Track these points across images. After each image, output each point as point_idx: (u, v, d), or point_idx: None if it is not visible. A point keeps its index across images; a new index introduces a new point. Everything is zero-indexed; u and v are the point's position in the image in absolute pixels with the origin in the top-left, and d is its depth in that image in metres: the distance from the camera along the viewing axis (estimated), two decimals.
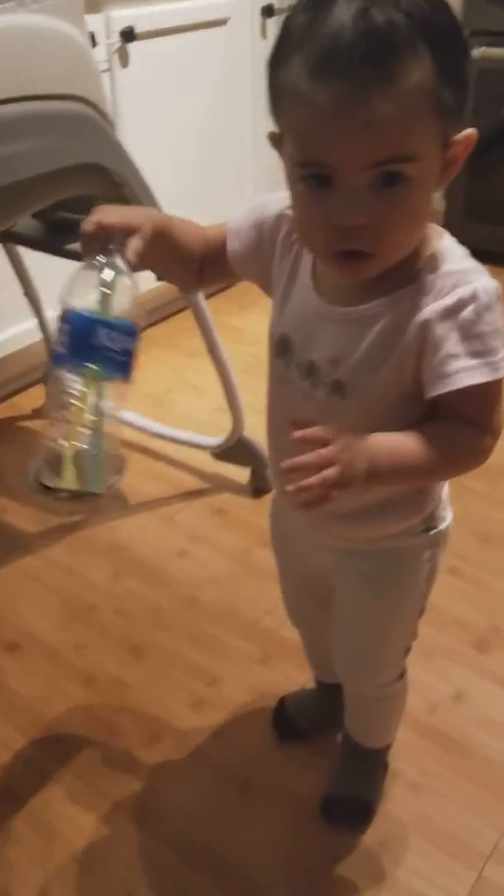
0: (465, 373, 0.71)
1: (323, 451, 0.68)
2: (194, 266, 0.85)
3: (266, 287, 0.85)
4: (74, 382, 0.69)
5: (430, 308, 0.72)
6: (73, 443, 0.70)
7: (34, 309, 1.89)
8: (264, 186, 2.53)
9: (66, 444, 0.70)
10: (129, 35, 1.84)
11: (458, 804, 1.14)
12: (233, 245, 0.83)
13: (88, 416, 0.70)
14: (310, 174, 0.67)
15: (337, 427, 0.71)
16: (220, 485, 1.77)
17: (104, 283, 0.69)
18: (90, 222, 0.72)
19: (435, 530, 0.91)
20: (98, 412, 0.70)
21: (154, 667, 1.38)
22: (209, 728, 1.27)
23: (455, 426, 0.75)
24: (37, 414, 2.07)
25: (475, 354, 0.71)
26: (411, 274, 0.74)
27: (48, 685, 1.36)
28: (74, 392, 0.69)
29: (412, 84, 0.62)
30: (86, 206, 1.41)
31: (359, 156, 0.64)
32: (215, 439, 1.75)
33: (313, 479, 0.67)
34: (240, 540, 1.63)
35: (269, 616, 1.42)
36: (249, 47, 2.25)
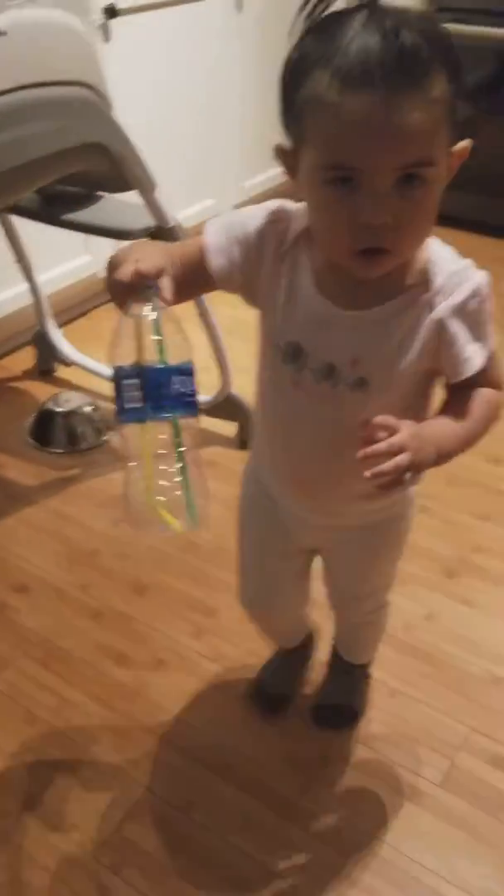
0: (475, 357, 0.82)
1: (394, 440, 0.73)
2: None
3: (251, 298, 0.87)
4: (152, 431, 0.71)
5: (444, 306, 0.80)
6: (168, 486, 0.72)
7: (25, 274, 1.99)
8: (253, 152, 2.65)
9: (163, 496, 0.72)
10: (111, 11, 1.92)
11: (432, 706, 1.31)
12: (217, 261, 0.83)
13: (176, 461, 0.72)
14: (336, 177, 0.71)
15: (356, 417, 0.78)
16: (209, 439, 1.90)
17: (157, 331, 0.71)
18: (127, 273, 0.72)
19: (412, 491, 1.03)
20: (182, 454, 0.72)
21: (156, 602, 1.53)
22: (210, 652, 1.42)
23: (478, 394, 0.84)
24: (27, 375, 2.18)
25: (478, 339, 0.82)
26: (415, 276, 0.81)
27: (59, 621, 1.49)
28: (158, 442, 0.72)
29: (436, 95, 0.69)
30: (80, 179, 1.52)
31: (389, 159, 0.69)
32: (204, 397, 1.88)
33: (388, 465, 0.72)
34: (230, 488, 1.74)
35: None
36: (225, 20, 2.34)
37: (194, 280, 0.83)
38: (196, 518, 0.74)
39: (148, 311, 0.71)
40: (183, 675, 1.38)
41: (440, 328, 0.80)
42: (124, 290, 0.72)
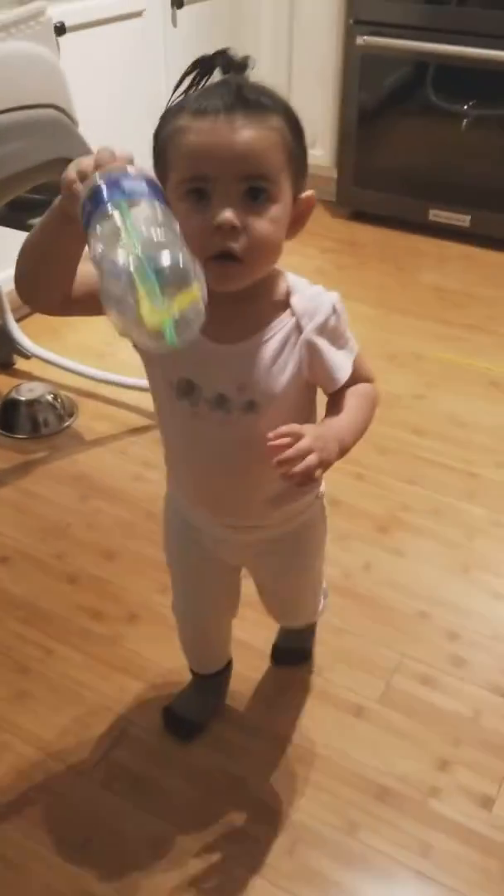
0: (344, 364, 0.94)
1: (300, 444, 0.83)
2: (70, 280, 0.88)
3: None
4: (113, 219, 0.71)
5: (310, 328, 0.91)
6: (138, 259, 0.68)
7: None
8: None
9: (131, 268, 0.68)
10: (60, 29, 2.08)
11: (370, 639, 1.54)
12: None
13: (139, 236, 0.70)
14: (191, 189, 0.82)
15: (254, 434, 0.89)
16: None
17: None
18: (88, 166, 0.76)
19: (322, 492, 1.14)
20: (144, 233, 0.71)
21: (126, 565, 1.71)
22: None
23: (356, 391, 0.96)
24: None
25: (342, 348, 0.94)
26: (280, 305, 0.92)
27: (39, 586, 1.67)
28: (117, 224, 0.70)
29: (271, 125, 0.83)
30: (44, 187, 1.68)
31: (233, 168, 0.81)
32: None
33: (300, 467, 0.82)
34: None
35: None
36: (162, 34, 2.52)
37: (90, 299, 0.83)
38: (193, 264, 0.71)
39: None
40: (154, 626, 1.57)
41: (310, 347, 0.92)
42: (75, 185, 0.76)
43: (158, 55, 2.56)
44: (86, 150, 1.54)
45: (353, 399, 0.96)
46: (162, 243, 0.69)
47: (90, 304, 0.82)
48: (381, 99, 3.01)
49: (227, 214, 0.80)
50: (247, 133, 0.81)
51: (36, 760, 1.34)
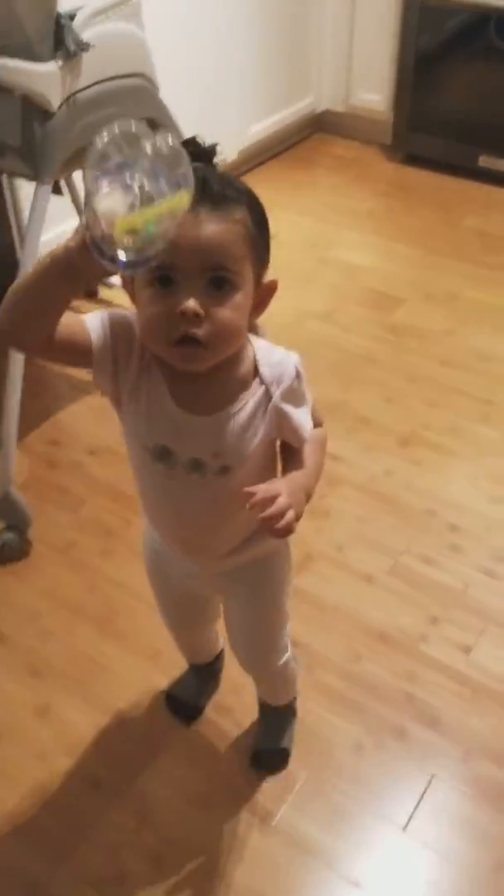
0: (306, 422, 1.01)
1: (280, 502, 0.89)
2: (55, 324, 0.87)
3: (112, 389, 0.95)
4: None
5: (277, 395, 0.97)
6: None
7: (78, 212, 2.47)
8: (256, 99, 3.08)
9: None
10: None
11: (384, 527, 1.88)
12: (97, 334, 0.91)
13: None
14: (157, 276, 0.85)
15: (226, 492, 0.97)
16: None
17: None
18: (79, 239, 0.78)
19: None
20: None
21: None
22: None
23: (313, 435, 1.02)
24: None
25: (302, 404, 1.00)
26: (248, 376, 0.97)
27: (120, 473, 2.03)
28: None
29: (235, 218, 0.87)
30: None
31: (197, 260, 0.85)
32: None
33: (282, 524, 0.89)
34: None
35: None
36: None
37: (70, 347, 0.89)
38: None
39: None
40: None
41: (279, 412, 0.98)
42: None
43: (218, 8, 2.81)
44: (166, 113, 1.85)
45: (310, 446, 1.02)
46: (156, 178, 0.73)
47: (69, 352, 0.90)
48: (439, 45, 3.16)
49: (191, 304, 0.85)
50: (211, 227, 0.85)
51: (116, 596, 1.73)
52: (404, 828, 1.35)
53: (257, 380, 0.97)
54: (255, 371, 0.97)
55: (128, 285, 0.92)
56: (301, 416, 1.00)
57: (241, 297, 0.89)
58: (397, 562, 1.80)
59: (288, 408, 0.98)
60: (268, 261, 0.95)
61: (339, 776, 1.42)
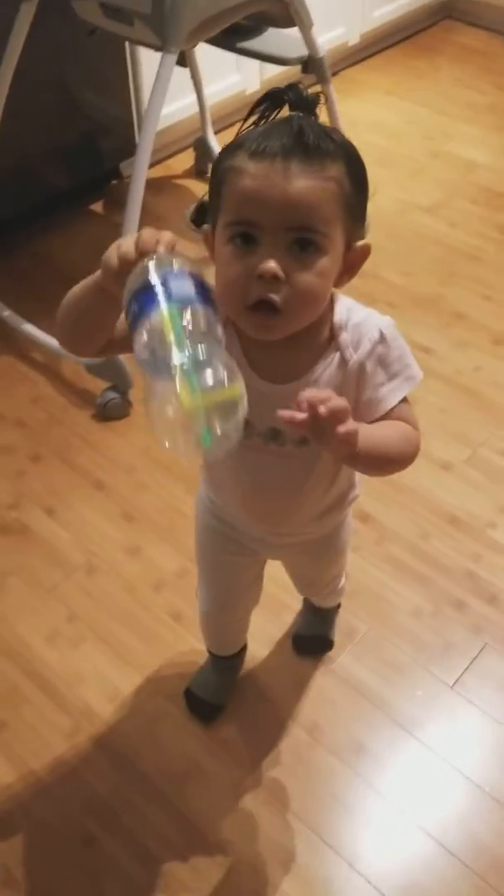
0: (388, 397, 0.88)
1: (335, 402, 0.74)
2: (107, 334, 0.88)
3: None
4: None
5: (355, 358, 0.88)
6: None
7: (197, 89, 2.50)
8: None
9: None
10: None
11: (466, 419, 1.93)
12: None
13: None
14: (238, 233, 0.79)
15: (307, 464, 0.91)
16: None
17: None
18: (131, 249, 0.77)
19: (355, 495, 1.11)
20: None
21: None
22: None
23: (400, 424, 0.89)
24: (186, 174, 2.73)
25: (393, 376, 0.89)
26: (329, 341, 0.89)
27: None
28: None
29: (328, 174, 0.79)
30: (253, 15, 2.00)
31: (282, 218, 0.78)
32: None
33: (342, 430, 0.75)
34: None
35: None
36: None
37: (128, 342, 0.78)
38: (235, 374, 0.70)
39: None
40: None
41: (357, 377, 0.89)
42: (128, 262, 0.76)
43: None
44: None
45: (392, 424, 0.89)
46: (207, 361, 0.68)
47: (128, 345, 0.80)
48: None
49: (271, 264, 0.78)
50: (301, 183, 0.78)
51: None
52: (452, 685, 1.47)
53: (335, 344, 0.89)
54: (334, 335, 0.89)
55: (209, 240, 0.87)
56: (382, 389, 0.89)
57: (328, 262, 0.81)
58: (475, 453, 1.86)
59: (366, 373, 0.89)
60: (363, 223, 0.86)
61: (397, 634, 1.54)
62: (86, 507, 1.76)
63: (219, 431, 0.68)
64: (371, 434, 0.83)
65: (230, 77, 2.71)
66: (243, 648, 1.44)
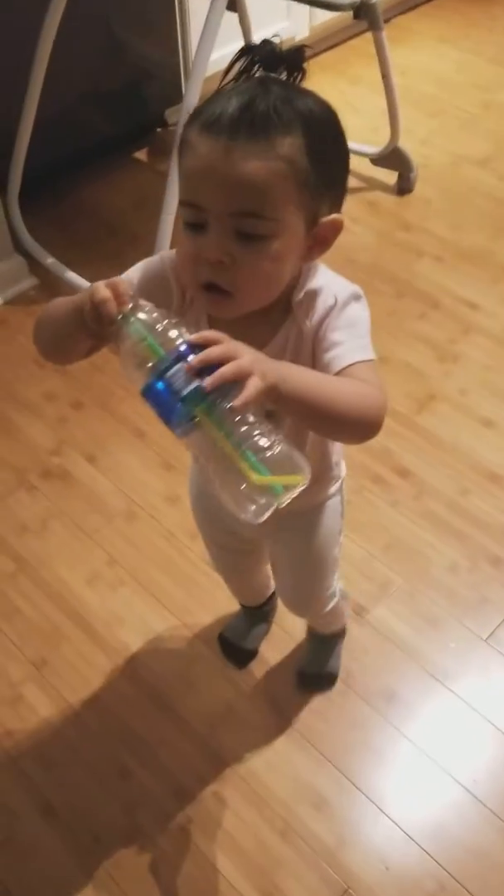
0: (347, 353, 0.81)
1: (240, 362, 0.68)
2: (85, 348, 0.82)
3: None
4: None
5: (309, 325, 0.83)
6: (266, 445, 0.68)
7: (245, 36, 2.45)
8: None
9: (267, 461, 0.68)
10: None
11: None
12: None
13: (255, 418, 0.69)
14: (189, 220, 0.76)
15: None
16: (372, 184, 2.41)
17: (171, 326, 0.70)
18: (107, 298, 0.71)
19: (341, 480, 1.09)
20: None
21: None
22: None
23: (356, 379, 0.81)
24: None
25: (347, 340, 0.82)
26: (285, 311, 0.84)
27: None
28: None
29: (276, 153, 0.72)
30: None
31: (223, 203, 0.73)
32: (372, 148, 2.37)
33: (249, 391, 0.67)
34: (384, 223, 2.31)
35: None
36: None
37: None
38: (301, 460, 0.70)
39: (146, 315, 0.71)
40: None
41: (312, 343, 0.84)
42: (111, 310, 0.71)
43: None
44: None
45: (344, 380, 0.81)
46: (265, 448, 0.68)
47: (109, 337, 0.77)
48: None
49: (212, 251, 0.75)
50: (244, 166, 0.72)
51: None
52: (486, 639, 1.47)
53: (291, 315, 0.85)
54: (291, 302, 0.84)
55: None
56: (338, 347, 0.82)
57: (280, 245, 0.76)
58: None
59: (319, 335, 0.83)
60: (336, 192, 0.80)
61: (432, 588, 1.55)
62: (126, 455, 1.78)
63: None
64: (304, 378, 0.76)
65: (279, 23, 2.66)
66: (272, 596, 1.45)
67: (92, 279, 0.81)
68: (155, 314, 0.72)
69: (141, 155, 2.56)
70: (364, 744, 1.37)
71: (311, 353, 0.85)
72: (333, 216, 0.79)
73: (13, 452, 1.80)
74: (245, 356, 0.69)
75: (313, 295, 0.84)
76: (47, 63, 1.95)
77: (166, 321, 0.71)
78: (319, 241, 0.80)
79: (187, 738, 1.37)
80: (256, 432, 0.68)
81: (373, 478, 1.71)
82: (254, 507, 0.69)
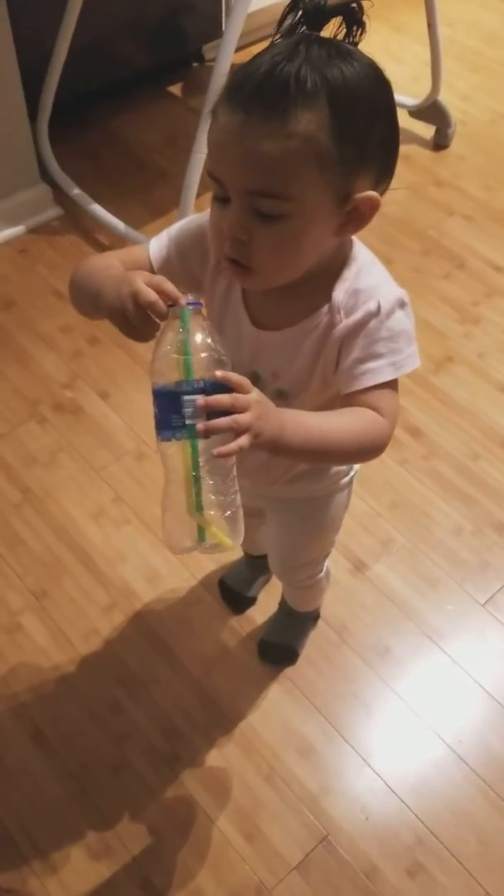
0: (371, 374, 0.79)
1: (240, 418, 0.68)
2: None
3: (196, 287, 0.86)
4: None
5: (345, 324, 0.80)
6: (222, 500, 0.73)
7: None
8: None
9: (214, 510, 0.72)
10: None
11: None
12: (160, 263, 0.85)
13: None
14: (215, 193, 0.75)
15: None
16: (408, 138, 2.35)
17: (210, 346, 0.71)
18: (155, 300, 0.69)
19: (351, 475, 1.07)
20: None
21: None
22: None
23: (359, 409, 0.80)
24: None
25: (378, 356, 0.79)
26: (323, 298, 0.81)
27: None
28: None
29: (292, 130, 0.68)
30: None
31: (238, 180, 0.71)
32: (412, 100, 2.30)
33: (232, 447, 0.68)
34: (417, 177, 2.26)
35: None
36: None
37: None
38: (240, 532, 0.74)
39: (193, 330, 0.71)
40: None
41: (340, 344, 0.81)
42: (148, 316, 0.71)
43: None
44: None
45: (352, 415, 0.80)
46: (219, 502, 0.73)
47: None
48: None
49: (231, 227, 0.74)
50: (256, 146, 0.69)
51: None
52: (484, 604, 1.48)
53: (329, 304, 0.81)
54: (330, 294, 0.81)
55: None
56: (361, 366, 0.80)
57: (300, 224, 0.73)
58: None
59: (349, 344, 0.80)
60: (375, 169, 0.75)
61: (435, 549, 1.55)
62: (140, 395, 1.78)
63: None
64: (306, 428, 0.76)
65: None
66: None
67: (117, 213, 0.80)
68: (207, 338, 0.72)
69: (175, 89, 2.50)
70: (354, 696, 1.38)
71: (337, 351, 0.82)
72: (369, 193, 0.74)
73: (26, 383, 1.79)
74: (249, 412, 0.69)
75: (356, 294, 0.81)
76: None
77: (210, 348, 0.71)
78: (355, 217, 0.76)
79: (181, 678, 1.39)
80: (221, 482, 0.73)
81: None
82: (176, 537, 0.74)
